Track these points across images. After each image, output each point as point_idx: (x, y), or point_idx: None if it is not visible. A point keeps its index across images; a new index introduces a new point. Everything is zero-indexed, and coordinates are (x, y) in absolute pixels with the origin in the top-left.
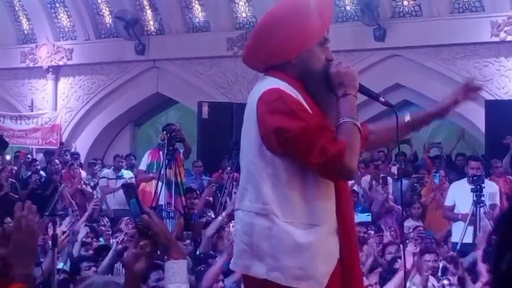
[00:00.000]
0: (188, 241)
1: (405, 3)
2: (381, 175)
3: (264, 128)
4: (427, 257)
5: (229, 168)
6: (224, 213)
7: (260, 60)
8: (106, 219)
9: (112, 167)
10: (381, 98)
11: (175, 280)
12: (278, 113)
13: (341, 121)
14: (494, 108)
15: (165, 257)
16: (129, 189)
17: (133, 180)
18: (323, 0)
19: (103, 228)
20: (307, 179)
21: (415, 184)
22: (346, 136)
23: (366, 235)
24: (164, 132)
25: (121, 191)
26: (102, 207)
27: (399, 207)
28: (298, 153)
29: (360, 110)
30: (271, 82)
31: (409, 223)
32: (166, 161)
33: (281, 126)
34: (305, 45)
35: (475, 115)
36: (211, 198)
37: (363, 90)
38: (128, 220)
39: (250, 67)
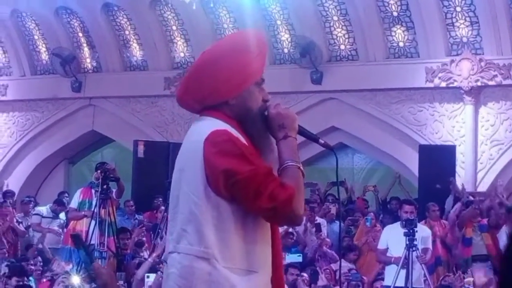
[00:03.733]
0: (121, 282)
1: (342, 47)
2: (316, 221)
3: (212, 170)
4: None
5: (163, 208)
6: (154, 254)
7: (197, 99)
8: (39, 258)
9: (49, 205)
10: (320, 140)
11: None
12: (227, 155)
13: (285, 165)
14: (428, 153)
15: None
16: (77, 239)
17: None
18: (259, 40)
19: (33, 267)
20: (248, 223)
21: (350, 227)
22: (293, 181)
23: (298, 278)
24: (99, 171)
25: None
26: (38, 246)
27: (333, 252)
28: (246, 197)
29: (305, 147)
30: (214, 123)
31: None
32: (100, 200)
33: (230, 168)
34: (243, 85)
35: (409, 159)
36: (144, 238)
37: (302, 132)
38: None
39: (184, 106)
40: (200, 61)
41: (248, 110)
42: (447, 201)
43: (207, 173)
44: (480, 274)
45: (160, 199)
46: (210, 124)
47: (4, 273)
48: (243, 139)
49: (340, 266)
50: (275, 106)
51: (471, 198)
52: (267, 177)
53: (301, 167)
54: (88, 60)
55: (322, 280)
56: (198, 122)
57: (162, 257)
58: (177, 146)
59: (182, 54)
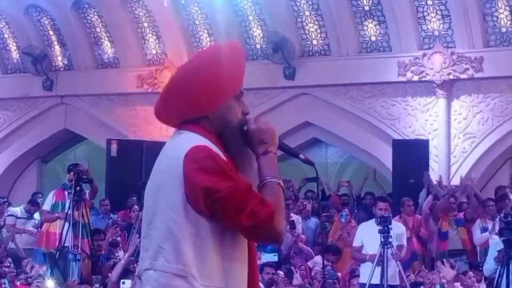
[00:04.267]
0: (97, 285)
1: (314, 42)
2: (290, 217)
3: (192, 187)
4: None
5: (136, 207)
6: (126, 255)
7: (175, 113)
8: (9, 259)
9: (23, 206)
10: (301, 156)
11: None
12: (208, 172)
13: (265, 181)
14: (401, 147)
15: None
16: (53, 259)
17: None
18: (235, 52)
19: (6, 270)
20: (226, 240)
21: (325, 223)
22: (274, 198)
23: (274, 277)
24: (72, 173)
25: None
26: (8, 247)
27: (309, 248)
28: (226, 214)
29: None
30: (194, 138)
31: (317, 259)
32: (73, 202)
33: (211, 186)
34: (221, 99)
35: (383, 154)
36: (118, 238)
37: (283, 147)
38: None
39: (163, 121)
40: (177, 75)
41: (227, 124)
42: (420, 195)
43: (187, 189)
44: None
45: (134, 198)
46: (189, 139)
47: None
48: (222, 155)
49: (324, 264)
50: (255, 120)
51: (444, 191)
52: (247, 194)
53: (282, 183)
54: (60, 58)
55: (297, 279)
56: (177, 137)
57: (136, 273)
58: (150, 144)
59: (154, 51)
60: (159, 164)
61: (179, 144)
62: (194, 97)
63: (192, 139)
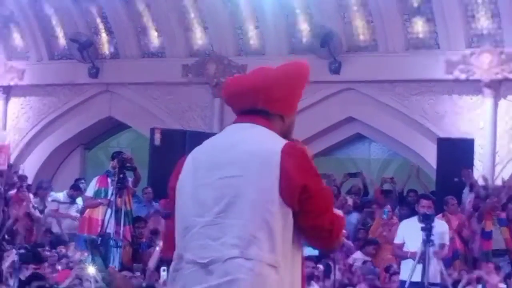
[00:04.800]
0: (138, 273)
1: (361, 37)
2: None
3: (289, 182)
4: None
5: None
6: (162, 243)
7: (262, 97)
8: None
9: (66, 191)
10: None
11: None
12: (307, 171)
13: None
14: (446, 146)
15: None
16: (95, 246)
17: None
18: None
19: (48, 253)
20: (297, 237)
21: (366, 219)
22: (341, 213)
23: (314, 270)
24: (115, 160)
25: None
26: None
27: (350, 242)
28: (313, 213)
29: (322, 137)
30: (275, 135)
31: (357, 255)
32: (116, 189)
33: (309, 184)
34: (296, 108)
35: (427, 152)
36: (159, 227)
37: None
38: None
39: (234, 101)
40: (277, 71)
41: (290, 133)
42: (463, 193)
43: (282, 184)
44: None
45: None
46: (271, 135)
47: (13, 261)
48: None
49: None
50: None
51: (490, 190)
52: (332, 200)
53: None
54: (106, 46)
55: (335, 274)
56: (251, 130)
57: (206, 261)
58: (193, 134)
59: (200, 42)
60: (237, 154)
61: (263, 138)
62: (287, 94)
63: (274, 136)
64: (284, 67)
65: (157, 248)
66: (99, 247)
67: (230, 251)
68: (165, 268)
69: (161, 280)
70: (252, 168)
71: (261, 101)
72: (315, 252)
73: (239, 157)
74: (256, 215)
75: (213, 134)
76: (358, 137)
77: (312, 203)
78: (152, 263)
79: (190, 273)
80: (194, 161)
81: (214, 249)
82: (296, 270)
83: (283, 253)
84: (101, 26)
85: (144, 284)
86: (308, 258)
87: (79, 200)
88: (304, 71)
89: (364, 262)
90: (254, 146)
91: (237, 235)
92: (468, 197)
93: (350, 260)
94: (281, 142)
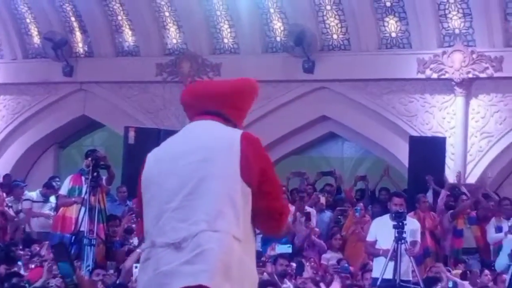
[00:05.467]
0: (111, 271)
1: (335, 36)
2: (305, 210)
3: (249, 164)
4: None
5: None
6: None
7: (229, 105)
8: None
9: (39, 190)
10: None
11: None
12: (263, 156)
13: None
14: (418, 144)
15: None
16: (62, 250)
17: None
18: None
19: (21, 252)
20: (252, 216)
21: (339, 217)
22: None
23: (287, 268)
24: (89, 159)
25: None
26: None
27: (321, 242)
28: (270, 195)
29: (296, 136)
30: (231, 128)
31: (328, 255)
32: (90, 187)
33: (266, 168)
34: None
35: (400, 150)
36: (133, 225)
37: None
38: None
39: (194, 106)
40: (240, 83)
41: None
42: (427, 196)
43: (242, 165)
44: None
45: None
46: (231, 128)
47: None
48: None
49: None
50: None
51: (463, 189)
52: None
53: None
54: (80, 45)
55: (307, 272)
56: (214, 123)
57: (179, 240)
58: (168, 132)
59: (174, 41)
60: (202, 142)
61: (224, 128)
62: (245, 106)
63: (230, 128)
64: (240, 82)
65: (138, 250)
66: (66, 250)
67: (198, 226)
68: (137, 265)
69: (134, 277)
70: (215, 152)
71: (226, 106)
72: (289, 250)
73: (202, 144)
74: (223, 193)
75: None
76: (331, 136)
77: (269, 186)
78: (129, 262)
79: (163, 256)
80: (155, 157)
81: (184, 229)
82: (251, 249)
83: (243, 230)
84: (75, 24)
85: None
86: (281, 256)
87: (52, 199)
88: (257, 89)
89: (339, 261)
90: (214, 133)
91: (205, 211)
92: (440, 195)
93: (323, 260)
94: (238, 130)
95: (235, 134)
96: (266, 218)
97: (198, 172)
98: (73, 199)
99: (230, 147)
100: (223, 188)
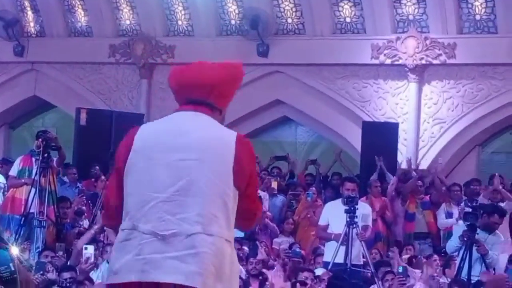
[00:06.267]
0: (61, 253)
1: (289, 20)
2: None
3: (242, 168)
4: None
5: (103, 177)
6: (96, 226)
7: (216, 94)
8: None
9: None
10: None
11: None
12: (253, 160)
13: None
14: (371, 129)
15: None
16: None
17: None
18: None
19: None
20: None
21: (292, 201)
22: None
23: (239, 252)
24: (40, 140)
25: None
26: None
27: (274, 225)
28: (252, 197)
29: (249, 120)
30: (221, 125)
31: (279, 239)
32: (40, 168)
33: (253, 172)
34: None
35: (353, 135)
36: (84, 207)
37: None
38: None
39: (181, 91)
40: (227, 71)
41: (222, 124)
42: (371, 179)
43: (236, 169)
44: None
45: (97, 167)
46: (219, 124)
47: None
48: None
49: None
50: None
51: (414, 174)
52: None
53: None
54: (32, 24)
55: (261, 254)
56: (201, 117)
57: (168, 233)
58: (120, 115)
59: (128, 22)
60: (194, 141)
61: (214, 127)
62: (231, 93)
63: (221, 125)
64: (228, 67)
65: (92, 231)
66: (4, 240)
67: (193, 227)
68: (87, 246)
69: (83, 258)
70: (210, 153)
71: (213, 96)
72: (241, 234)
73: (196, 143)
74: (216, 196)
75: (140, 115)
76: (285, 120)
77: (253, 188)
78: (80, 244)
79: (148, 243)
80: (144, 142)
81: (173, 223)
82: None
83: (232, 230)
84: (27, 4)
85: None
86: (234, 240)
87: (2, 179)
88: (243, 74)
89: (291, 246)
90: (209, 133)
91: (198, 213)
92: (391, 181)
93: (275, 245)
94: (232, 131)
95: (230, 137)
96: (244, 217)
97: (192, 171)
98: (23, 180)
99: (226, 151)
100: (217, 192)
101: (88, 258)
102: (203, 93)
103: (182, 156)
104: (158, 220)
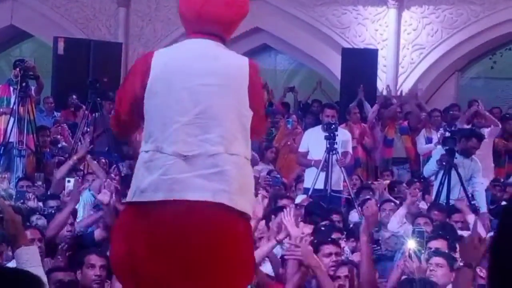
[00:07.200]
0: (39, 183)
1: None
2: None
3: (257, 92)
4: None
5: (84, 107)
6: (75, 156)
7: (232, 32)
8: None
9: None
10: None
11: (31, 264)
12: (262, 83)
13: None
14: (350, 56)
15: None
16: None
17: None
18: None
19: None
20: None
21: (271, 129)
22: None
23: None
24: (18, 69)
25: None
26: None
27: (254, 153)
28: (262, 118)
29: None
30: (234, 52)
31: (259, 167)
32: (19, 98)
33: (263, 94)
34: None
35: (332, 62)
36: (59, 136)
37: None
38: None
39: (214, 24)
40: (240, 7)
41: None
42: (350, 106)
43: (251, 91)
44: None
45: (74, 97)
46: (234, 52)
47: None
48: None
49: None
50: None
51: (394, 101)
52: None
53: None
54: None
55: None
56: (217, 46)
57: (191, 154)
58: (98, 43)
59: None
60: (214, 67)
61: (232, 54)
62: (237, 26)
63: (234, 52)
64: (242, 4)
65: (70, 162)
66: (2, 156)
67: (215, 147)
68: (69, 179)
69: (66, 190)
70: (227, 78)
71: (227, 31)
72: None
73: (217, 69)
74: (235, 118)
75: (118, 44)
76: (264, 48)
77: (263, 110)
78: (60, 174)
79: (173, 164)
80: (164, 67)
81: (195, 144)
82: None
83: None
84: None
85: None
86: None
87: None
88: (248, 11)
89: (269, 172)
90: (225, 59)
91: (219, 134)
92: (372, 108)
93: (255, 173)
94: (243, 57)
95: (244, 62)
96: (260, 130)
97: (212, 95)
98: (1, 109)
99: (241, 75)
100: (236, 115)
101: (70, 191)
102: (219, 29)
103: (205, 81)
104: (181, 142)
